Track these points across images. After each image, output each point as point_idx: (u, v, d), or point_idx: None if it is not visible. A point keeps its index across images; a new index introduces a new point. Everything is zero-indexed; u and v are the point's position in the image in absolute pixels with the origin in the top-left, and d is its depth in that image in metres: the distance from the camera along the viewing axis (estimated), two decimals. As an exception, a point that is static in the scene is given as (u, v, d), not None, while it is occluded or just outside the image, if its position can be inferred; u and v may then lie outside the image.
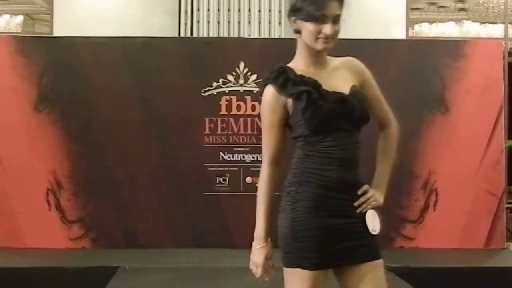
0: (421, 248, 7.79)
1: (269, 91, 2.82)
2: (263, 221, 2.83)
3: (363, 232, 2.80)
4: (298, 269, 2.75)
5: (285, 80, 2.80)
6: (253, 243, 2.87)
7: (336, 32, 2.82)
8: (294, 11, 2.82)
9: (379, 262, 2.84)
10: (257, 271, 2.86)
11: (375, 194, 2.94)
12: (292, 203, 2.78)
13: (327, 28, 2.77)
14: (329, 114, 2.78)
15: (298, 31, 2.84)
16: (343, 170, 2.81)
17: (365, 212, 2.84)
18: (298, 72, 2.83)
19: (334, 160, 2.79)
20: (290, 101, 2.79)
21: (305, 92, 2.76)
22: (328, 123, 2.78)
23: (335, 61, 2.97)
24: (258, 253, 2.85)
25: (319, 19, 2.76)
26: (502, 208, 7.90)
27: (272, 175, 2.84)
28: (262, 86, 2.87)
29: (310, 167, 2.78)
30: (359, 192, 2.87)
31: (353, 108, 2.83)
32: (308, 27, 2.78)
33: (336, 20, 2.80)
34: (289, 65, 2.89)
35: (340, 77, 2.92)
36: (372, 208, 2.88)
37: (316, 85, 2.80)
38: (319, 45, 2.81)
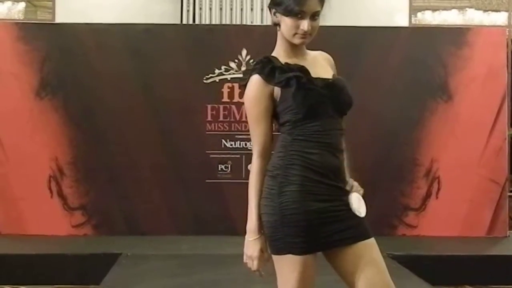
0: (423, 236, 7.79)
1: (256, 81, 2.79)
2: (256, 213, 2.82)
3: (350, 214, 2.80)
4: (289, 255, 2.74)
5: (272, 69, 2.79)
6: (246, 237, 2.84)
7: (314, 28, 2.81)
8: (275, 4, 2.84)
9: (372, 241, 2.84)
10: (253, 264, 2.83)
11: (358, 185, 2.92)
12: (279, 187, 2.76)
13: (304, 24, 2.78)
14: (319, 99, 2.79)
15: (277, 24, 2.87)
16: (328, 154, 2.79)
17: (349, 196, 2.85)
18: (283, 61, 2.84)
19: (320, 144, 2.78)
20: (277, 90, 2.78)
21: (294, 78, 2.75)
22: (318, 108, 2.78)
23: (312, 53, 2.99)
24: (252, 245, 2.82)
25: (298, 15, 2.77)
26: (504, 196, 7.90)
27: (263, 167, 2.82)
28: (247, 78, 2.84)
29: (297, 150, 2.77)
30: (347, 188, 2.86)
31: (340, 93, 2.86)
32: (286, 22, 2.80)
33: (314, 16, 2.80)
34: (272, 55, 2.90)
35: (321, 66, 2.95)
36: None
37: (304, 70, 2.81)
38: (296, 40, 2.82)
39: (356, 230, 2.80)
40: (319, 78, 2.83)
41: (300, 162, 2.76)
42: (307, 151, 2.76)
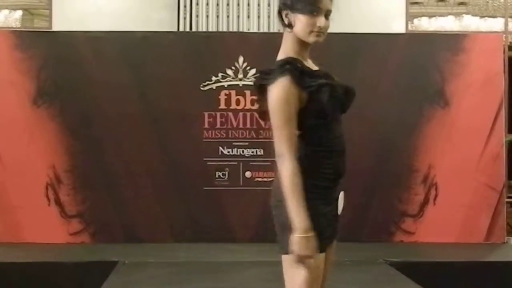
0: (421, 243, 7.78)
1: (288, 82, 2.77)
2: (304, 211, 2.75)
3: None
4: None
5: (301, 73, 2.82)
6: (297, 235, 2.73)
7: (326, 27, 2.88)
8: (287, 5, 2.87)
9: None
10: (310, 261, 2.78)
11: None
12: None
13: (321, 21, 2.84)
14: (339, 106, 2.91)
15: (289, 25, 2.88)
16: (339, 161, 2.91)
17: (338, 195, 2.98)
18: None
19: (335, 152, 2.89)
20: (304, 93, 2.79)
21: (326, 85, 2.83)
22: (337, 115, 2.90)
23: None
24: (310, 241, 2.74)
25: (314, 12, 2.82)
26: (502, 202, 7.90)
27: (297, 166, 2.77)
28: (272, 77, 2.81)
29: (314, 164, 2.83)
30: None
31: (351, 98, 2.97)
32: (302, 20, 2.84)
33: (328, 15, 2.87)
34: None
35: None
36: None
37: (330, 76, 2.90)
38: (312, 38, 2.87)
39: (337, 230, 3.02)
40: (338, 84, 2.93)
41: (317, 173, 2.84)
42: (323, 161, 2.84)
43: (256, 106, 2.93)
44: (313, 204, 2.77)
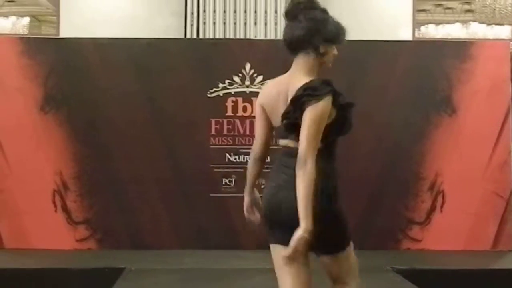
0: (428, 250, 7.76)
1: (330, 101, 3.02)
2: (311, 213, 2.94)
3: None
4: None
5: (336, 93, 3.06)
6: (305, 235, 2.89)
7: None
8: (328, 39, 3.18)
9: None
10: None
11: None
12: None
13: (336, 50, 3.28)
14: None
15: (324, 54, 3.18)
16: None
17: None
18: None
19: (336, 157, 3.18)
20: (333, 110, 3.05)
21: (351, 104, 3.14)
22: None
23: None
24: (309, 242, 2.93)
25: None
26: (509, 210, 7.87)
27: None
28: (321, 96, 2.99)
29: (328, 173, 3.06)
30: None
31: None
32: (332, 50, 3.24)
33: None
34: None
35: None
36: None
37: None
38: (331, 64, 3.28)
39: None
40: None
41: (331, 177, 3.11)
42: (331, 171, 3.08)
43: (283, 120, 3.06)
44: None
